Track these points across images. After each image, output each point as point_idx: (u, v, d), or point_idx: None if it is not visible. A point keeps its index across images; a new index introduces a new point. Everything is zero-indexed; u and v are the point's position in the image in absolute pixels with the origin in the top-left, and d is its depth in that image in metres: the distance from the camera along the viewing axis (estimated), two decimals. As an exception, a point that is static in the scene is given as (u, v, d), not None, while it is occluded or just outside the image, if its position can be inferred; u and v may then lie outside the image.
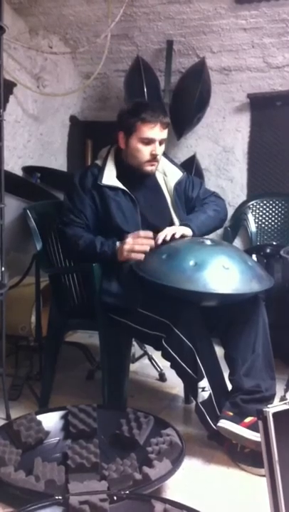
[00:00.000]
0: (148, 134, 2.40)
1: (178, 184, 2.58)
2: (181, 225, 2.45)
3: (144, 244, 2.31)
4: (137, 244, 2.31)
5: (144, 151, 2.43)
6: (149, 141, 2.41)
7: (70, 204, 2.48)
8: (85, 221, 2.46)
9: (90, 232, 2.45)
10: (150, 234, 2.34)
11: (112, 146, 2.56)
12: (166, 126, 2.45)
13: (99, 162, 2.56)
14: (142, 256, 2.29)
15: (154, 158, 2.44)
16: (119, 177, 2.48)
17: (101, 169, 2.49)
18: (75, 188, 2.49)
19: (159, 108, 2.49)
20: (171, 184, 2.57)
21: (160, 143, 2.45)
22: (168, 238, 2.33)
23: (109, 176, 2.47)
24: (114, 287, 2.37)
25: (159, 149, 2.45)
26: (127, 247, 2.31)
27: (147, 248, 2.30)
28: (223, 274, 2.16)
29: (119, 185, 2.46)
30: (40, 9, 3.67)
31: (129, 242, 2.32)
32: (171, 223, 2.51)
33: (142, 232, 2.35)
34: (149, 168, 2.47)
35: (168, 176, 2.60)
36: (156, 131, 2.41)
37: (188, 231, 2.41)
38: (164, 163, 2.60)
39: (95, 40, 3.75)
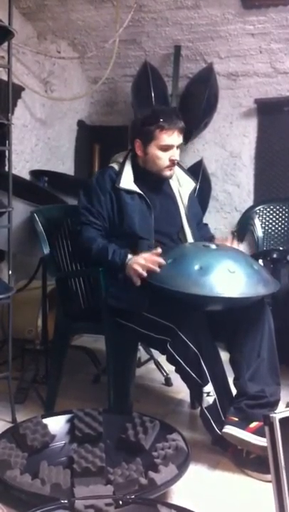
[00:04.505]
0: (167, 141, 2.43)
1: (192, 193, 2.63)
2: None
3: (154, 262, 2.26)
4: (151, 262, 2.26)
5: (164, 158, 2.46)
6: (168, 148, 2.44)
7: (88, 205, 2.49)
8: (103, 223, 2.48)
9: (106, 236, 2.46)
10: (160, 252, 2.30)
11: (130, 151, 2.58)
12: (182, 131, 2.48)
13: (115, 166, 2.57)
14: (145, 274, 2.25)
15: (172, 163, 2.48)
16: (135, 182, 2.50)
17: (119, 173, 2.51)
18: (94, 189, 2.50)
19: (174, 114, 2.51)
20: (185, 193, 2.61)
21: (177, 147, 2.48)
22: None
23: (127, 180, 2.49)
24: (120, 291, 2.37)
25: (177, 154, 2.49)
26: (139, 263, 2.26)
27: (158, 269, 2.24)
28: (228, 277, 2.15)
29: (136, 189, 2.48)
30: (48, 14, 3.69)
31: (143, 259, 2.27)
32: (182, 231, 2.55)
33: (156, 253, 2.30)
34: (168, 173, 2.51)
35: (182, 185, 2.63)
36: (175, 137, 2.44)
37: None
38: (177, 172, 2.63)
39: (103, 45, 3.77)
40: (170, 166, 2.48)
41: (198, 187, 2.75)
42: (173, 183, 2.62)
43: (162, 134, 2.42)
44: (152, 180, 2.52)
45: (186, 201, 2.59)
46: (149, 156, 2.48)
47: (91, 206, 2.48)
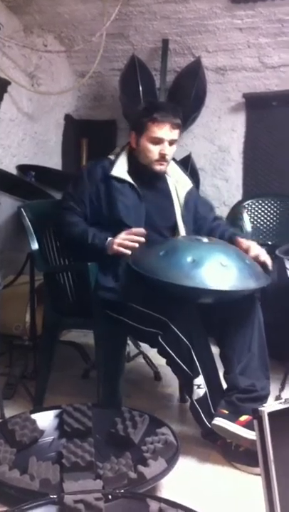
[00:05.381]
0: (157, 134, 2.42)
1: (189, 193, 2.61)
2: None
3: (134, 240, 2.31)
4: (128, 240, 2.31)
5: (154, 151, 2.45)
6: (158, 141, 2.43)
7: (72, 191, 2.53)
8: (83, 210, 2.49)
9: (87, 222, 2.47)
10: (143, 231, 2.34)
11: (127, 144, 2.59)
12: (176, 127, 2.46)
13: (112, 157, 2.58)
14: (129, 252, 2.29)
15: (162, 157, 2.46)
16: (129, 173, 2.51)
17: (113, 162, 2.52)
18: (82, 177, 2.52)
19: (170, 109, 2.51)
20: (182, 192, 2.60)
21: (170, 143, 2.46)
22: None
23: (120, 169, 2.50)
24: (110, 283, 2.37)
25: (169, 149, 2.47)
26: (117, 240, 2.32)
27: (136, 245, 2.29)
28: (220, 271, 2.16)
29: (128, 178, 2.48)
30: (35, 7, 3.66)
31: (121, 236, 2.33)
32: (175, 227, 2.54)
33: (135, 229, 2.35)
34: (158, 167, 2.49)
35: (179, 183, 2.62)
36: (166, 131, 2.43)
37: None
38: (176, 171, 2.63)
39: (90, 39, 3.74)
40: (160, 161, 2.47)
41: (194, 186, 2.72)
42: (170, 180, 2.61)
43: (153, 127, 2.42)
44: (146, 175, 2.52)
45: (182, 199, 2.58)
46: (140, 149, 2.47)
47: (74, 193, 2.51)
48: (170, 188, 2.61)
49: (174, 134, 2.46)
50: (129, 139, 2.54)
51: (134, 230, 2.35)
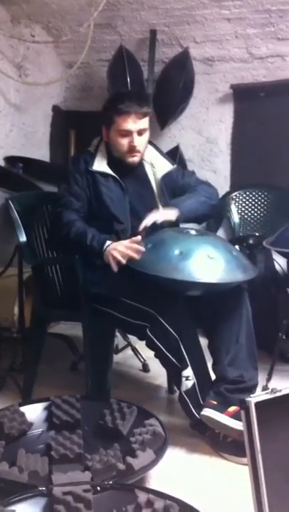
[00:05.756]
0: (123, 126, 2.40)
1: (165, 176, 2.57)
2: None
3: (133, 249, 2.25)
4: (129, 248, 2.25)
5: (123, 143, 2.43)
6: (126, 133, 2.41)
7: (68, 187, 2.48)
8: (83, 203, 2.45)
9: (85, 218, 2.44)
10: (139, 239, 2.29)
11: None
12: (142, 116, 2.42)
13: (91, 149, 2.56)
14: (124, 261, 2.24)
15: (133, 149, 2.43)
16: (109, 165, 2.49)
17: (92, 156, 2.50)
18: (71, 172, 2.50)
19: (135, 98, 2.47)
20: (158, 176, 2.57)
21: (139, 133, 2.43)
22: (148, 224, 2.32)
23: (100, 163, 2.48)
24: (98, 277, 2.36)
25: (138, 140, 2.43)
26: (115, 254, 2.25)
27: (135, 255, 2.23)
28: (208, 263, 2.17)
29: (110, 171, 2.47)
30: (22, -3, 3.63)
31: (120, 249, 2.25)
32: None
33: (135, 238, 2.29)
34: (130, 159, 2.47)
35: (156, 167, 2.59)
36: (132, 123, 2.39)
37: (171, 215, 2.39)
38: (152, 155, 2.60)
39: (78, 29, 3.71)
40: (131, 152, 2.44)
41: (176, 167, 2.64)
42: (147, 166, 2.59)
43: (119, 119, 2.39)
44: (124, 165, 2.50)
45: (159, 183, 2.55)
46: (112, 142, 2.46)
47: (70, 188, 2.47)
48: (148, 174, 2.58)
49: (142, 123, 2.42)
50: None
51: (134, 238, 2.29)
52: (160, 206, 2.48)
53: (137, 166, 2.53)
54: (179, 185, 2.60)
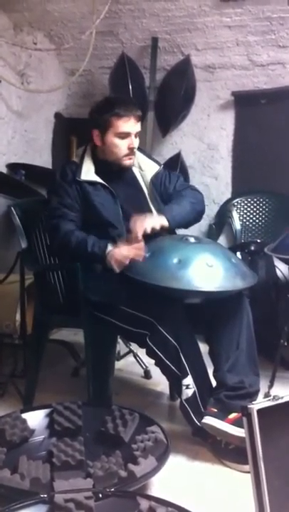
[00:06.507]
0: (124, 128, 2.42)
1: (154, 177, 2.59)
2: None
3: (136, 249, 2.26)
4: (132, 253, 2.26)
5: (122, 146, 2.44)
6: (125, 135, 2.43)
7: (59, 199, 2.45)
8: (77, 213, 2.44)
9: (80, 228, 2.43)
10: (142, 244, 2.29)
11: (88, 144, 2.56)
12: (139, 119, 2.47)
13: (76, 160, 2.57)
14: (127, 262, 2.25)
15: (131, 151, 2.46)
16: (97, 173, 2.49)
17: (78, 166, 2.50)
18: (60, 183, 2.48)
19: (130, 102, 2.54)
20: (148, 177, 2.58)
21: (136, 136, 2.47)
22: (148, 231, 2.32)
23: (88, 172, 2.48)
24: (98, 285, 2.36)
25: (136, 142, 2.47)
26: (118, 258, 2.25)
27: (140, 252, 2.25)
28: (207, 271, 2.17)
29: (98, 179, 2.47)
30: (24, 5, 3.65)
31: (124, 252, 2.26)
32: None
33: (137, 245, 2.29)
34: (127, 161, 2.49)
35: (144, 169, 2.60)
36: (131, 125, 2.43)
37: (164, 221, 2.40)
38: (139, 158, 2.61)
39: (80, 37, 3.73)
40: (129, 155, 2.47)
41: (162, 168, 2.65)
42: (135, 169, 2.60)
43: (118, 122, 2.41)
44: (113, 171, 2.51)
45: (148, 185, 2.56)
46: (107, 145, 2.46)
47: (62, 199, 2.45)
48: (137, 177, 2.59)
49: (138, 126, 2.48)
50: (92, 138, 2.49)
51: (137, 245, 2.28)
52: (153, 209, 2.50)
53: (125, 170, 2.54)
54: (166, 187, 2.61)
